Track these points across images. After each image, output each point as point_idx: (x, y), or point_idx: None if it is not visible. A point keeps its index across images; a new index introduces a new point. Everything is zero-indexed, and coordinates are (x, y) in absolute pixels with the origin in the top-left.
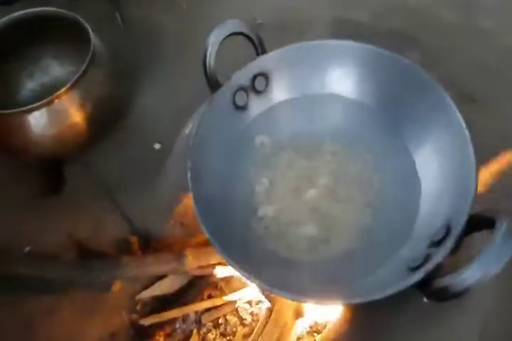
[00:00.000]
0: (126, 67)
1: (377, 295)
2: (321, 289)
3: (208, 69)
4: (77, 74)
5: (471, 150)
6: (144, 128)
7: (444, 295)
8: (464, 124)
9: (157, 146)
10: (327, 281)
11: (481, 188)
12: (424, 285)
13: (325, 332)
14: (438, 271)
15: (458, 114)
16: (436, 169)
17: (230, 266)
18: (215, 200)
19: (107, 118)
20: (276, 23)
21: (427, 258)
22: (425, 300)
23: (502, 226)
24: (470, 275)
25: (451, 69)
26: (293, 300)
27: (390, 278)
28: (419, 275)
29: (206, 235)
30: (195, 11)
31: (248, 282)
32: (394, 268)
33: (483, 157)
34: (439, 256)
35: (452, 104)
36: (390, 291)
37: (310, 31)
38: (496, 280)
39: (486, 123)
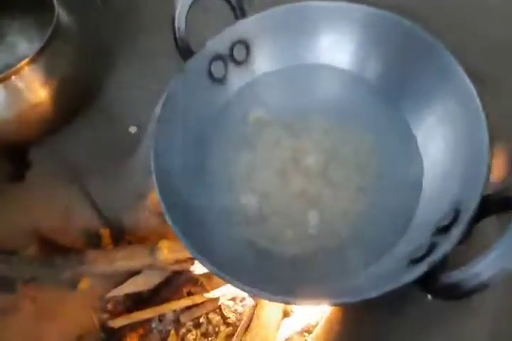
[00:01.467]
0: (103, 44)
1: (372, 294)
2: (306, 287)
3: (177, 34)
4: (39, 47)
5: (482, 119)
6: (119, 110)
7: (454, 293)
8: (474, 92)
9: (133, 130)
10: (313, 278)
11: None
12: (427, 281)
13: (316, 332)
14: (444, 263)
15: (467, 81)
16: (442, 145)
17: (196, 260)
18: (185, 184)
19: (77, 98)
20: None
21: (431, 249)
22: (429, 298)
23: None
24: (487, 267)
25: (456, 46)
26: (271, 301)
27: (388, 273)
28: (421, 269)
29: (168, 222)
30: None
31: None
32: (393, 261)
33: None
34: (447, 245)
35: (461, 69)
36: (386, 288)
37: None
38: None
39: (494, 102)
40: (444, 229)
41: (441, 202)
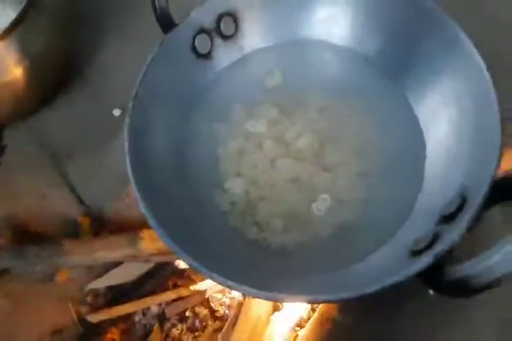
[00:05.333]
0: (85, 16)
1: (370, 288)
2: (296, 282)
3: (156, 3)
4: (12, 20)
5: (493, 95)
6: (103, 92)
7: (462, 289)
8: (483, 66)
9: (117, 112)
10: (305, 271)
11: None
12: (431, 275)
13: (307, 327)
14: (450, 256)
15: (476, 54)
16: (446, 126)
17: (172, 251)
18: (165, 169)
19: (56, 76)
20: None
21: (435, 239)
22: (431, 293)
23: None
24: (503, 260)
25: (462, 25)
26: (255, 298)
27: (388, 266)
28: (425, 261)
29: (141, 210)
30: None
31: (199, 272)
32: (394, 252)
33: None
34: (453, 234)
35: (468, 41)
36: (386, 283)
37: None
38: None
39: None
40: (449, 217)
41: (446, 187)
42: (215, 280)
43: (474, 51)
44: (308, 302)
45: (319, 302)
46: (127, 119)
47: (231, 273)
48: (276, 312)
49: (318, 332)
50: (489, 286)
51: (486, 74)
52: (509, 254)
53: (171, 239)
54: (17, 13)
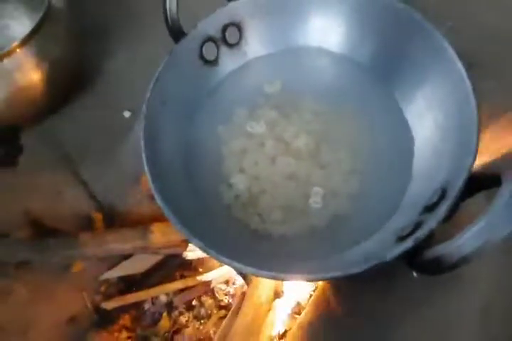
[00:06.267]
0: (95, 26)
1: (355, 269)
2: (295, 264)
3: (168, 15)
4: (30, 30)
5: (472, 101)
6: (114, 95)
7: (437, 268)
8: (464, 73)
9: (127, 114)
10: (302, 256)
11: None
12: (413, 257)
13: (304, 313)
14: (430, 240)
15: (458, 62)
16: (432, 126)
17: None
18: (175, 166)
19: (70, 82)
20: None
21: (417, 226)
22: (415, 274)
23: (510, 181)
24: (469, 241)
25: (453, 31)
26: (257, 276)
27: (376, 250)
28: (406, 245)
29: (158, 202)
30: None
31: (208, 256)
32: (382, 239)
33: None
34: (432, 222)
35: (451, 50)
36: (369, 264)
37: None
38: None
39: (485, 89)
40: (431, 207)
41: (430, 181)
42: (222, 262)
43: (457, 61)
44: (305, 280)
45: (314, 280)
46: (142, 121)
47: (236, 256)
48: (277, 300)
49: (314, 314)
50: (459, 264)
51: (467, 83)
52: (474, 236)
53: (183, 225)
54: (34, 24)
